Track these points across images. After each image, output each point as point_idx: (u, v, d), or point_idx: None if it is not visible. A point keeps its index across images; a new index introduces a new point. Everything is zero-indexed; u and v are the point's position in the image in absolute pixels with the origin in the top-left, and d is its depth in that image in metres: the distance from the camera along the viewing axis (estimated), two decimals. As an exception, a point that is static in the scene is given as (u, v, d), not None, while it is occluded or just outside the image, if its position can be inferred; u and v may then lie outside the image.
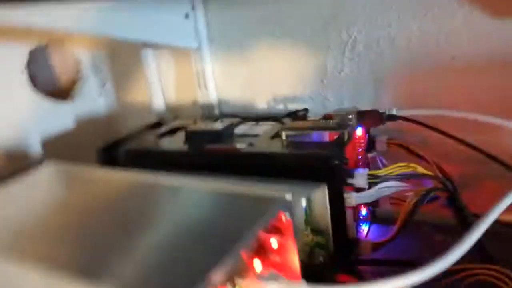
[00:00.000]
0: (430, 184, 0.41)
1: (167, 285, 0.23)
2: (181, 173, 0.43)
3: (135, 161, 0.48)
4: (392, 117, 0.41)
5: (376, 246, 0.41)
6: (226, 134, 0.47)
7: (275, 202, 0.29)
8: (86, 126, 0.69)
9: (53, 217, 0.34)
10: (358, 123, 0.42)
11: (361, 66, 0.50)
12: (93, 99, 0.72)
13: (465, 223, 0.40)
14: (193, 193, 0.34)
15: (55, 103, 0.67)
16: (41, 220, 0.33)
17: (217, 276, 0.23)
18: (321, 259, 0.38)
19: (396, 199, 0.45)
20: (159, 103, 0.66)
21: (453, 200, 0.41)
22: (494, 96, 0.46)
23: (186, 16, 0.56)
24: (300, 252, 0.37)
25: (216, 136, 0.46)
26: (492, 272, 0.32)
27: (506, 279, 0.31)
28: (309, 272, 0.35)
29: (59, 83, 0.73)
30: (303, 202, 0.37)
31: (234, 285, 0.24)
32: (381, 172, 0.40)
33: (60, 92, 0.72)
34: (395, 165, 0.40)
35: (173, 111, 0.67)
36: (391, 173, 0.40)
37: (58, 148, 0.65)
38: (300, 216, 0.37)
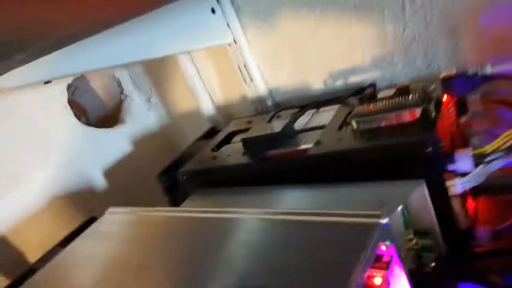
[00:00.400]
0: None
1: None
2: (244, 193, 0.39)
3: (195, 182, 0.45)
4: (487, 78, 0.32)
5: (497, 233, 0.34)
6: (287, 134, 0.41)
7: (371, 231, 0.23)
8: (142, 144, 0.67)
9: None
10: (445, 92, 0.34)
11: (428, 17, 0.41)
12: (143, 115, 0.69)
13: None
14: (271, 232, 0.28)
15: (107, 130, 0.65)
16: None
17: None
18: (432, 265, 0.32)
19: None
20: (208, 106, 0.61)
21: None
22: None
23: (213, 11, 0.50)
24: (406, 262, 0.31)
25: (276, 139, 0.41)
26: None
27: None
28: (421, 284, 0.30)
29: (106, 107, 0.71)
30: (399, 208, 0.30)
31: None
32: (488, 148, 0.32)
33: (109, 117, 0.71)
34: (502, 136, 0.32)
35: (224, 111, 0.62)
36: (500, 146, 0.32)
37: (121, 174, 0.64)
38: (400, 222, 0.31)
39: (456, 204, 0.33)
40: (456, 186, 0.32)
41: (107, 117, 0.71)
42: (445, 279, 0.30)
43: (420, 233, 0.32)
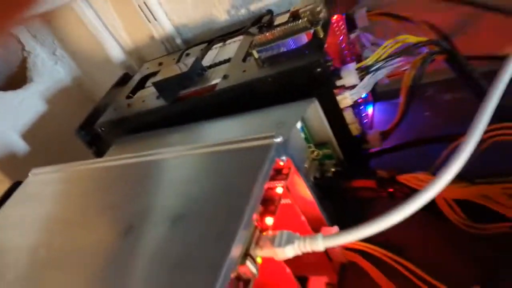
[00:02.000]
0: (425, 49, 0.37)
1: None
2: (162, 135, 0.41)
3: (113, 132, 0.46)
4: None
5: (386, 134, 0.39)
6: (196, 72, 0.43)
7: (268, 150, 0.26)
8: (57, 100, 0.65)
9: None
10: (330, 11, 0.37)
11: None
12: (51, 70, 0.66)
13: (470, 80, 0.37)
14: (180, 165, 0.31)
15: (16, 91, 0.62)
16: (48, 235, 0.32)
17: (235, 252, 0.22)
18: (332, 170, 0.37)
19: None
20: (117, 52, 0.60)
21: (453, 59, 0.37)
22: None
23: None
24: (311, 171, 0.36)
25: (186, 78, 0.42)
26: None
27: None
28: (324, 188, 0.34)
29: (10, 68, 0.67)
30: (298, 124, 0.34)
31: (253, 260, 0.23)
32: (370, 60, 0.36)
33: (16, 78, 0.67)
34: (382, 47, 0.36)
35: (135, 54, 0.61)
36: (380, 57, 0.36)
37: (40, 134, 0.62)
38: (299, 137, 0.34)
39: (348, 114, 0.37)
40: (346, 99, 0.36)
41: (13, 78, 0.67)
42: (343, 179, 0.35)
43: (320, 144, 0.37)
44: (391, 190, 0.34)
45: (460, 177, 0.30)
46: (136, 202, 0.30)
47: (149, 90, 0.47)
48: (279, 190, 0.27)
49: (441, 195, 0.31)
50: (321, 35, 0.36)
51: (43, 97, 0.64)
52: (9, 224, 0.36)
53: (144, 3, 0.52)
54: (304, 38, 0.38)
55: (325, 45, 0.35)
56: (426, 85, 0.46)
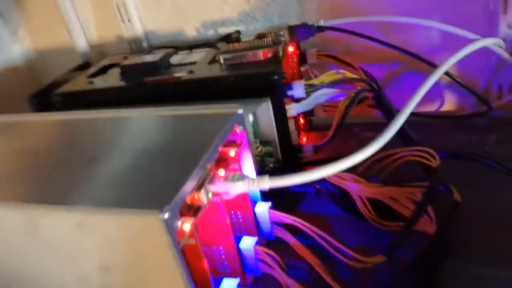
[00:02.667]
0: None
1: (143, 198, 0.25)
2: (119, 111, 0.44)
3: (70, 104, 0.47)
4: (321, 28, 0.43)
5: (317, 149, 0.46)
6: (163, 65, 0.47)
7: (228, 118, 0.31)
8: (5, 77, 0.64)
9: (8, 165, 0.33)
10: (290, 38, 0.44)
11: None
12: (6, 48, 0.66)
13: (391, 117, 0.46)
14: (145, 120, 0.35)
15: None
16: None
17: (189, 185, 0.25)
18: (271, 165, 0.42)
19: (329, 106, 0.50)
20: (81, 43, 0.62)
21: (379, 98, 0.46)
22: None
23: None
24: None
25: (153, 68, 0.46)
26: (416, 152, 0.38)
27: (428, 156, 0.37)
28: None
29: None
30: (250, 117, 0.39)
31: (206, 191, 0.26)
32: (316, 81, 0.43)
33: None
34: (326, 73, 0.44)
35: (98, 49, 0.64)
36: (324, 80, 0.43)
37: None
38: (249, 130, 0.40)
39: (290, 124, 0.43)
40: (291, 109, 0.42)
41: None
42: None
43: (265, 142, 0.42)
44: (317, 186, 0.39)
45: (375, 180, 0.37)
46: (88, 150, 0.32)
47: (113, 74, 0.50)
48: (232, 153, 0.31)
49: (358, 193, 0.37)
50: (280, 54, 0.43)
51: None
52: None
53: (123, 3, 0.57)
54: (262, 55, 0.44)
55: (283, 63, 0.42)
56: (353, 124, 0.55)
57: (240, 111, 0.32)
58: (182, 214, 0.25)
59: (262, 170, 0.41)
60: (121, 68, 0.47)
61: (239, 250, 0.32)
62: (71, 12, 0.60)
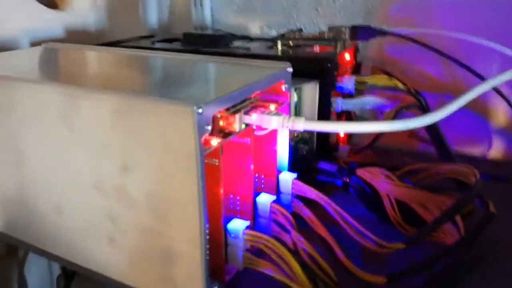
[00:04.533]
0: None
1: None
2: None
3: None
4: (382, 33, 0.44)
5: (353, 152, 0.45)
6: (223, 41, 0.49)
7: (278, 71, 0.32)
8: (75, 37, 0.69)
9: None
10: (351, 37, 0.45)
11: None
12: (84, 13, 0.71)
13: (436, 139, 0.44)
14: (205, 61, 0.36)
15: (47, 9, 0.66)
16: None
17: (225, 104, 0.26)
18: (304, 152, 0.42)
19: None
20: (152, 20, 0.66)
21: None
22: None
23: None
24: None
25: (213, 40, 0.48)
26: (457, 168, 0.36)
27: (469, 173, 0.35)
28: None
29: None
30: (295, 96, 0.40)
31: (240, 118, 0.26)
32: (368, 79, 0.43)
33: (50, 1, 0.71)
34: (380, 76, 0.44)
35: (164, 29, 0.67)
36: (376, 82, 0.43)
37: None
38: (292, 104, 0.40)
39: (333, 119, 0.43)
40: (337, 104, 0.42)
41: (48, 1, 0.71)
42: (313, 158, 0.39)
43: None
44: (346, 179, 0.38)
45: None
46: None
47: (176, 44, 0.52)
48: (272, 107, 0.31)
49: (387, 192, 0.36)
50: (338, 48, 0.44)
51: (65, 29, 0.68)
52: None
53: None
54: (319, 48, 0.45)
55: (339, 56, 0.43)
56: (393, 150, 0.54)
57: (290, 69, 0.32)
58: (213, 133, 0.25)
59: (294, 154, 0.41)
60: (184, 35, 0.49)
61: (255, 203, 0.31)
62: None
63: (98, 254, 0.30)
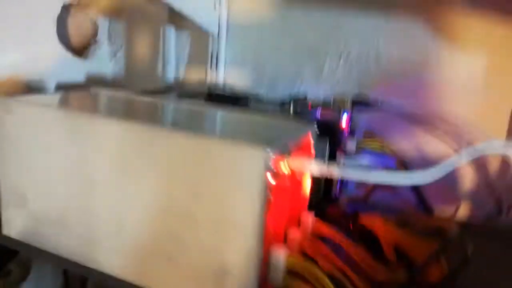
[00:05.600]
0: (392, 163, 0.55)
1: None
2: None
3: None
4: (377, 105, 0.54)
5: (351, 201, 0.53)
6: (242, 102, 0.58)
7: (307, 126, 0.40)
8: (92, 83, 0.75)
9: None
10: (352, 108, 0.55)
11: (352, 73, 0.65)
12: (105, 62, 0.78)
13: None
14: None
15: (72, 57, 0.73)
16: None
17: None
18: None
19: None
20: (169, 74, 0.74)
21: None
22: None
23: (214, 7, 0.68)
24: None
25: (235, 99, 0.57)
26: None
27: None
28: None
29: (72, 41, 0.78)
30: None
31: (285, 162, 0.34)
32: (367, 145, 0.52)
33: (72, 50, 0.78)
34: (372, 139, 0.53)
35: (179, 84, 0.75)
36: (368, 145, 0.53)
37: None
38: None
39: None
40: (340, 159, 0.51)
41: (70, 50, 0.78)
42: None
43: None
44: (350, 225, 0.46)
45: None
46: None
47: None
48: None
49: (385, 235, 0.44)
50: (341, 115, 0.53)
51: (86, 75, 0.75)
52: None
53: (217, 52, 0.70)
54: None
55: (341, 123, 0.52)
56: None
57: (315, 127, 0.41)
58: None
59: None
60: (208, 94, 0.57)
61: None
62: (172, 50, 0.73)
63: (155, 272, 0.35)
